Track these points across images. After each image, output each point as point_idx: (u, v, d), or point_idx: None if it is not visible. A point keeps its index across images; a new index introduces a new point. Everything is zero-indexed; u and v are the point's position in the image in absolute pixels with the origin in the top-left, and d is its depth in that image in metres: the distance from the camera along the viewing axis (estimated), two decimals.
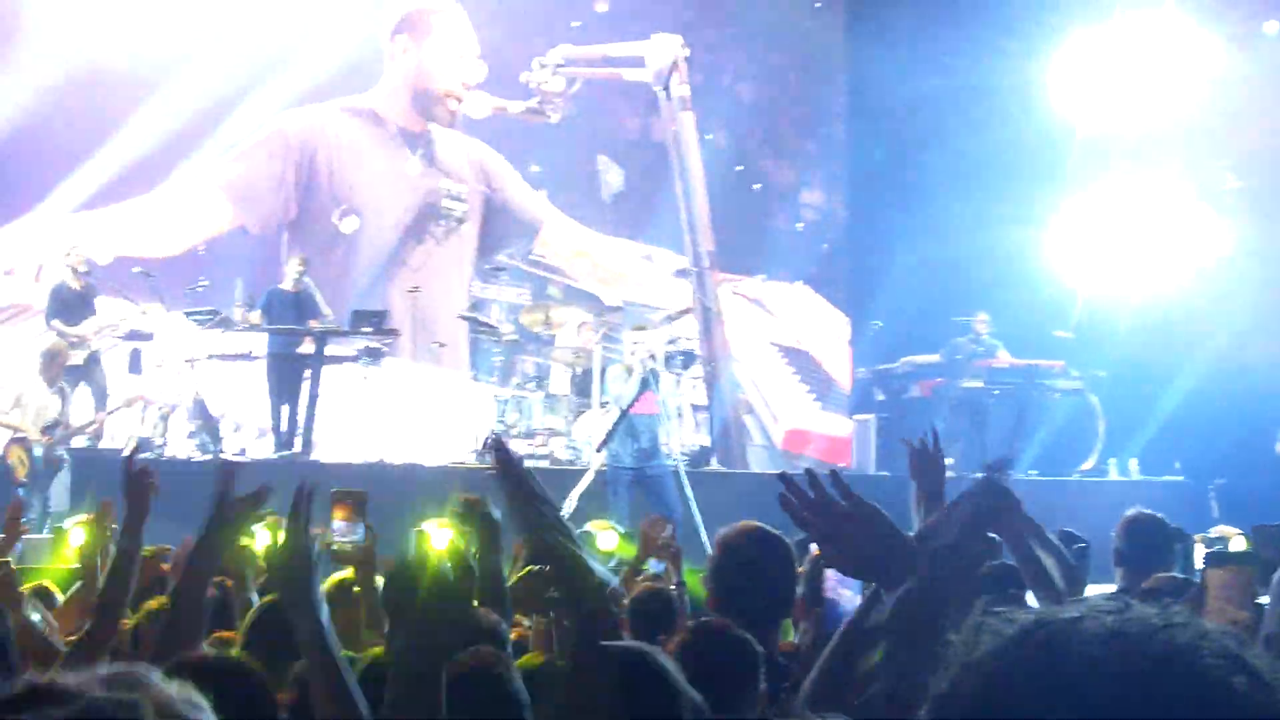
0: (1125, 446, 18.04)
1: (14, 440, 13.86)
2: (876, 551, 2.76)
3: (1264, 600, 3.23)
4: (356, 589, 5.21)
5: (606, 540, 10.83)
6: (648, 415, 13.96)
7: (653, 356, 14.20)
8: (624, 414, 13.96)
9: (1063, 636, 1.11)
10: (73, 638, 4.66)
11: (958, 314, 18.56)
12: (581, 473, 14.83)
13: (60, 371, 14.44)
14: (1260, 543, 5.90)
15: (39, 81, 17.37)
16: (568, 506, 14.07)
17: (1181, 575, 5.75)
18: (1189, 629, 1.10)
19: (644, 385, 13.85)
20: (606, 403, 15.25)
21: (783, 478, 2.81)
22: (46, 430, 13.97)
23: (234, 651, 4.23)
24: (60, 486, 13.89)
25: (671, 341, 16.37)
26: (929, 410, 18.55)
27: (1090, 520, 8.54)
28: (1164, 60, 18.66)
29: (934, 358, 18.45)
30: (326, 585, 5.55)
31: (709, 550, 5.00)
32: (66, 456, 14.10)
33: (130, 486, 4.54)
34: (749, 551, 4.79)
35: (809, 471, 2.81)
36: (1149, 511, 6.57)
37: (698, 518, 13.35)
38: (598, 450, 14.61)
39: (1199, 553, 6.80)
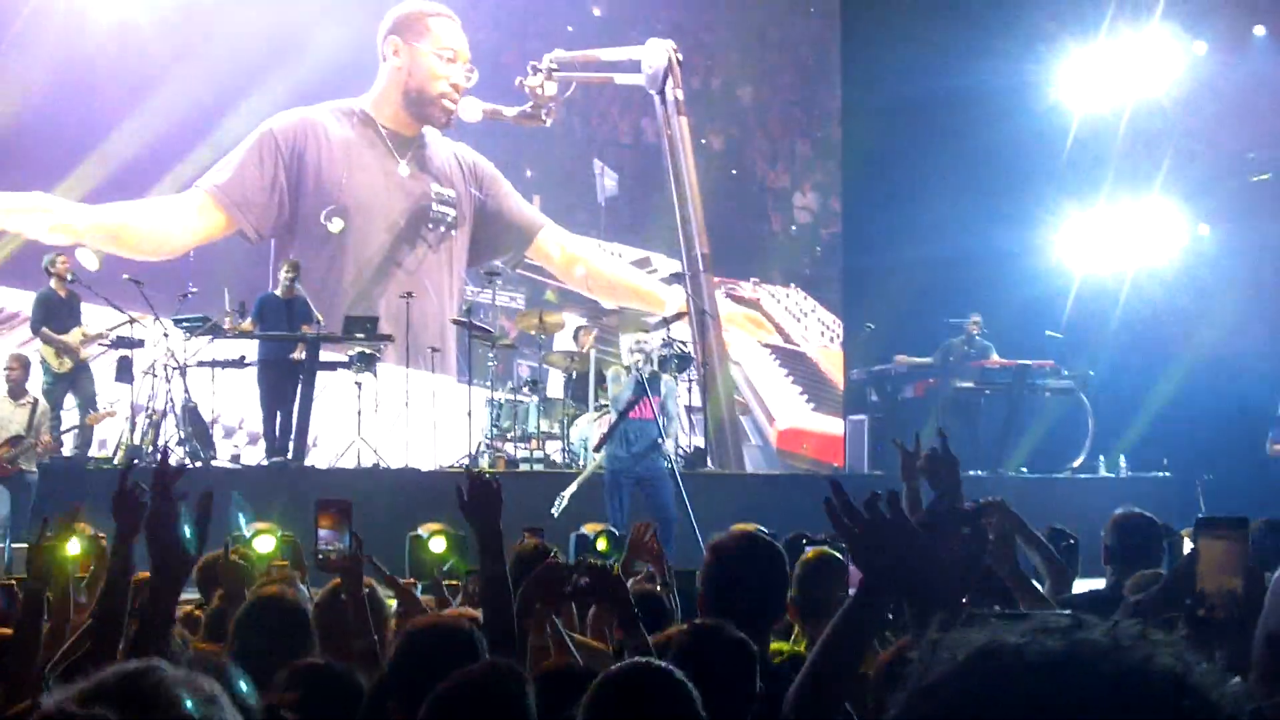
0: (1114, 444, 18.08)
1: None
2: (916, 572, 2.79)
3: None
4: (344, 596, 5.21)
5: (600, 544, 10.85)
6: (645, 420, 13.95)
7: (650, 360, 14.19)
8: (621, 417, 13.94)
9: (1008, 666, 1.11)
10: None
11: (950, 315, 18.61)
12: (576, 476, 14.84)
13: (20, 383, 14.31)
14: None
15: (28, 82, 17.38)
16: (558, 506, 14.08)
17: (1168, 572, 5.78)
18: (1135, 651, 1.10)
19: (641, 389, 13.83)
20: (604, 406, 15.25)
21: (832, 484, 2.85)
22: (9, 443, 13.84)
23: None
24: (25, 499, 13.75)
25: (667, 345, 16.36)
26: (922, 410, 18.60)
27: (1080, 517, 8.60)
28: (1152, 66, 18.78)
29: (927, 360, 18.49)
30: (319, 594, 5.59)
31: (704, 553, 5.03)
32: (34, 469, 14.00)
33: (120, 504, 4.00)
34: (740, 556, 4.82)
35: (833, 482, 2.85)
36: (1138, 510, 6.60)
37: (692, 520, 13.36)
38: (595, 452, 14.61)
39: (1187, 548, 6.83)
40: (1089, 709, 1.07)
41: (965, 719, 1.10)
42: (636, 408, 13.89)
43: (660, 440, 14.00)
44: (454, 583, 7.65)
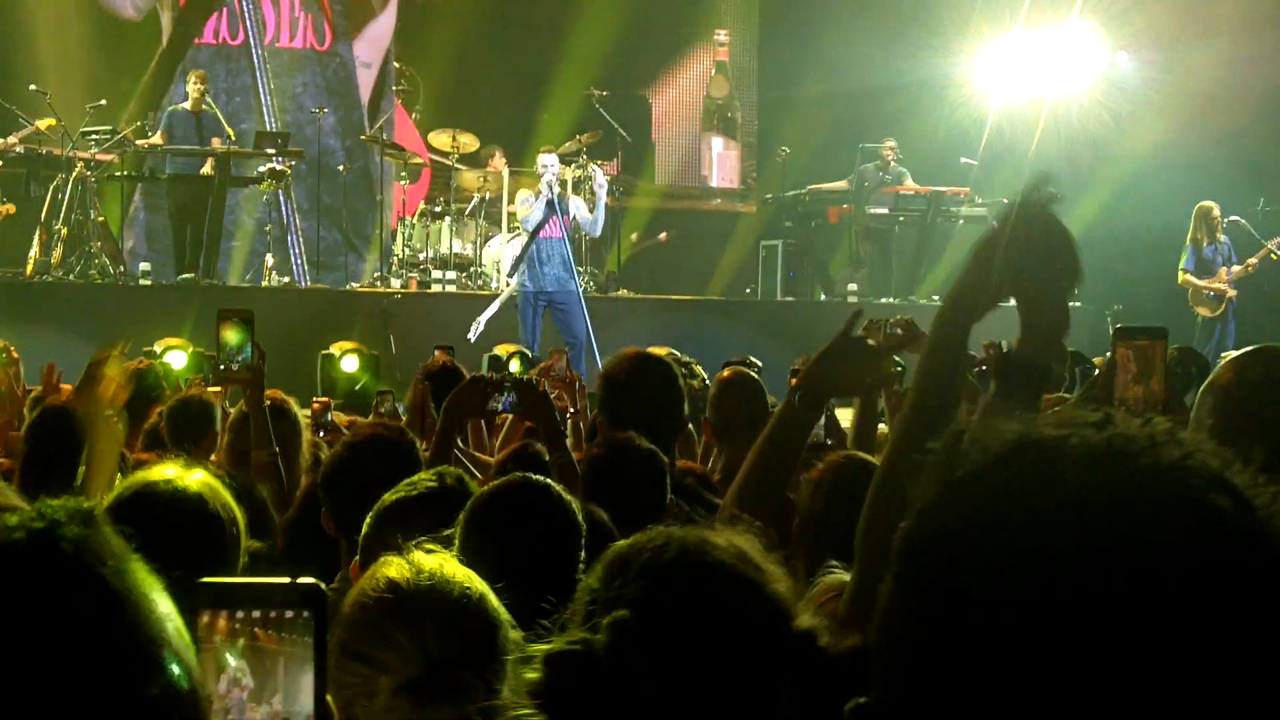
0: None
1: None
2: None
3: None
4: (243, 406, 5.18)
5: (512, 364, 10.89)
6: (554, 239, 13.91)
7: (559, 179, 14.11)
8: (532, 238, 13.89)
9: (1049, 457, 1.10)
10: None
11: (865, 142, 18.57)
12: (491, 298, 14.81)
13: None
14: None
15: None
16: (474, 331, 14.07)
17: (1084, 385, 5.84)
18: (1173, 446, 1.10)
19: (550, 209, 13.76)
20: (516, 228, 15.17)
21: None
22: None
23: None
24: None
25: (581, 166, 16.26)
26: (836, 237, 18.67)
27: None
28: None
29: (841, 184, 18.47)
30: (235, 411, 5.56)
31: None
32: None
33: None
34: (630, 378, 4.84)
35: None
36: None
37: (594, 345, 13.40)
38: (509, 276, 14.57)
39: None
40: (1133, 502, 1.07)
41: (1004, 512, 1.09)
42: (546, 227, 13.83)
43: (571, 260, 13.97)
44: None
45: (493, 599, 2.43)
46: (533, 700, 1.76)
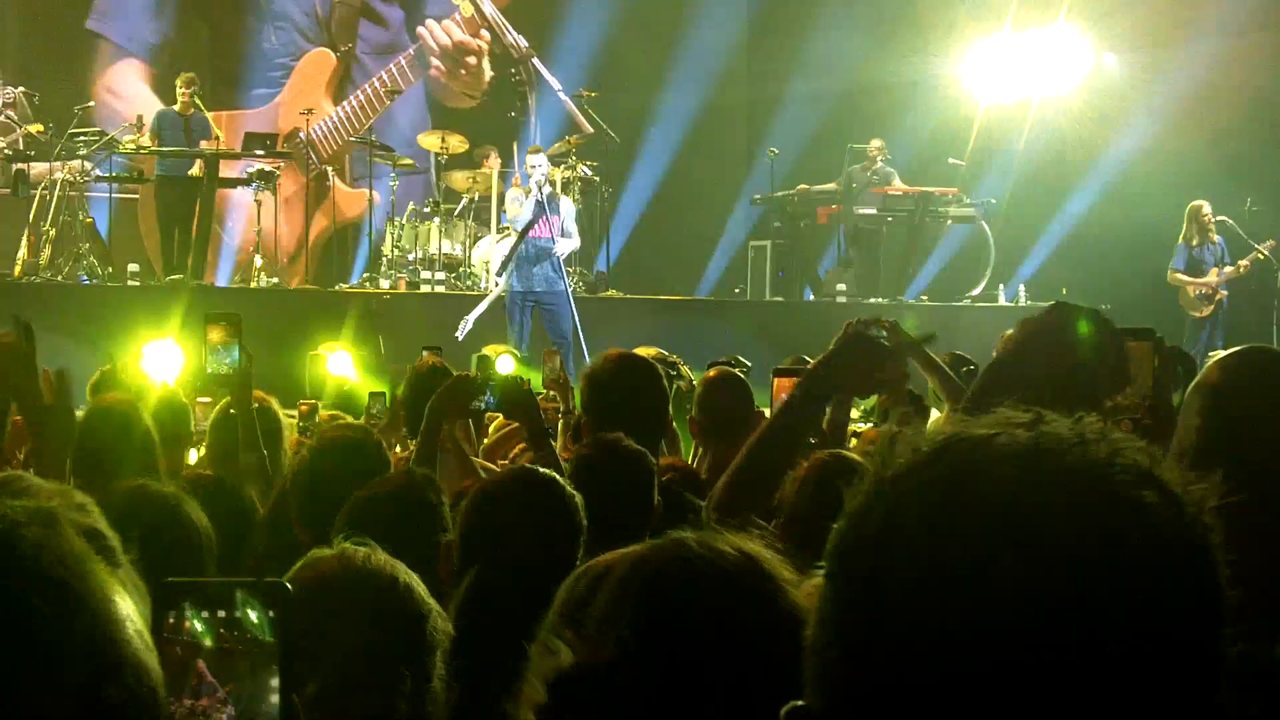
0: (1016, 273, 18.25)
1: None
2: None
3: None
4: (232, 411, 5.17)
5: (504, 365, 10.85)
6: (544, 239, 13.91)
7: (549, 179, 14.11)
8: (521, 237, 13.90)
9: (976, 455, 1.11)
10: None
11: (854, 142, 18.58)
12: (479, 298, 14.80)
13: None
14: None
15: None
16: (462, 329, 14.05)
17: None
18: (1101, 444, 1.10)
19: (540, 209, 13.77)
20: (506, 228, 15.16)
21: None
22: None
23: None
24: None
25: (570, 167, 16.28)
26: (826, 237, 18.68)
27: (981, 345, 8.68)
28: None
29: (830, 186, 18.48)
30: (215, 410, 5.55)
31: None
32: None
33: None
34: (613, 378, 4.84)
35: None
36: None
37: (583, 345, 13.40)
38: (497, 275, 14.55)
39: None
40: (1057, 498, 1.07)
41: (932, 506, 1.10)
42: (535, 227, 13.84)
43: (559, 261, 13.98)
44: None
45: (420, 589, 2.43)
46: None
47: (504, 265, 14.24)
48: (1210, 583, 1.09)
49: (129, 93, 18.25)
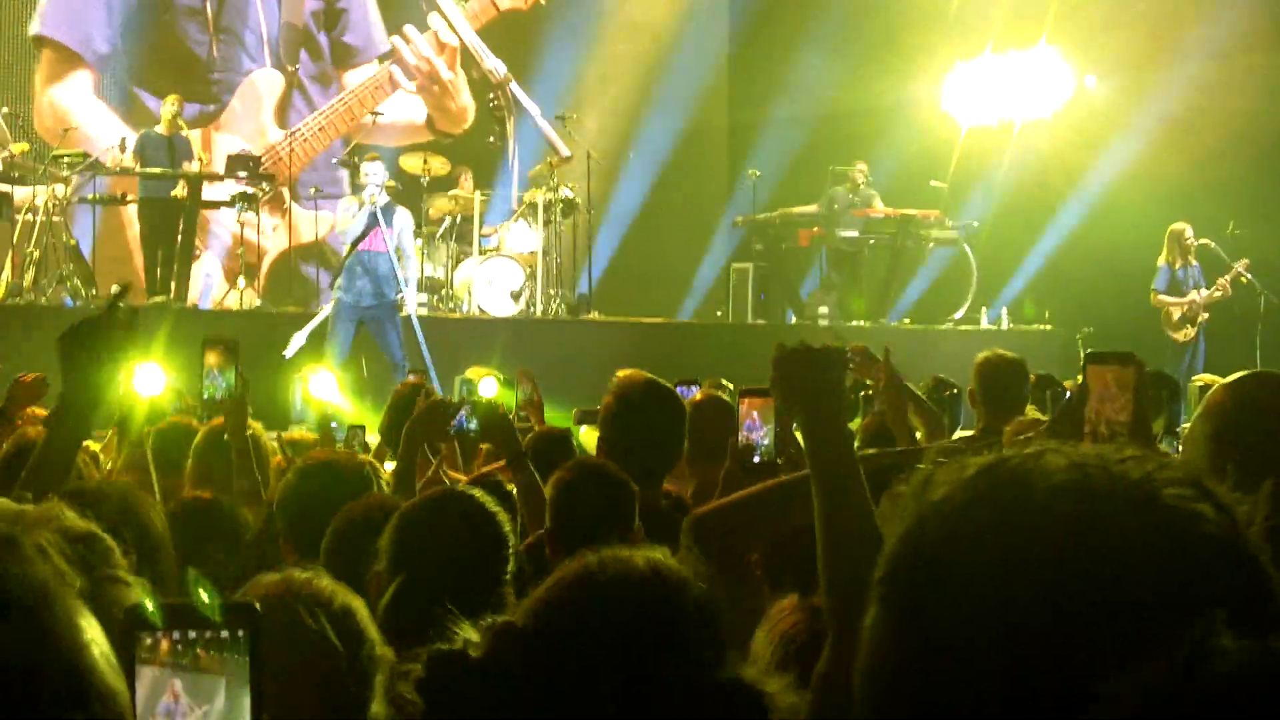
0: (999, 296, 18.28)
1: None
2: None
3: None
4: (225, 436, 5.16)
5: (487, 387, 10.83)
6: (376, 252, 13.54)
7: (382, 189, 13.72)
8: (352, 249, 13.57)
9: (1027, 468, 1.12)
10: None
11: (835, 164, 18.62)
12: (459, 321, 14.72)
13: None
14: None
15: None
16: (292, 346, 13.76)
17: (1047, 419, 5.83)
18: (1147, 459, 1.11)
19: (373, 220, 13.47)
20: (486, 250, 15.06)
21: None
22: None
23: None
24: None
25: (551, 189, 16.26)
26: (807, 260, 18.69)
27: (962, 369, 8.68)
28: None
29: (812, 208, 18.50)
30: (200, 433, 5.53)
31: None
32: None
33: None
34: (646, 403, 4.82)
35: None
36: (1003, 351, 6.64)
37: (429, 362, 13.01)
38: (332, 288, 14.17)
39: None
40: (1112, 506, 1.08)
41: (987, 522, 1.11)
42: (368, 239, 13.51)
43: (394, 274, 13.57)
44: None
45: (362, 613, 2.45)
46: (416, 694, 1.81)
47: (334, 278, 13.99)
48: (1266, 592, 1.09)
49: (78, 104, 18.08)
